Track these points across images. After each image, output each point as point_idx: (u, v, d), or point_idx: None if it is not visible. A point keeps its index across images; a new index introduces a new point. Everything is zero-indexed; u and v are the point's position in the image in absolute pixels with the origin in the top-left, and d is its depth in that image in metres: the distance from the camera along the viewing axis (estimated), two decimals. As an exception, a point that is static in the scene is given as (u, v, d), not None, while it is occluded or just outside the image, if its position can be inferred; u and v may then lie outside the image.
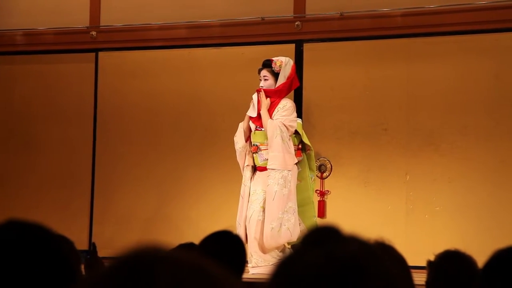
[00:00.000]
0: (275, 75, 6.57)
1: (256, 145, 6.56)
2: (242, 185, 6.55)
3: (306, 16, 7.92)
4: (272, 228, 6.24)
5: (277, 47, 7.52)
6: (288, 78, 6.58)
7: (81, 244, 7.38)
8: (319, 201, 6.32)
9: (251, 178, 6.50)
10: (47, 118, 8.59)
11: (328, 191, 6.44)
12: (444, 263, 2.79)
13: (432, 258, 2.92)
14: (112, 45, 8.47)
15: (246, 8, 8.06)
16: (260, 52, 7.65)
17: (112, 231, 8.17)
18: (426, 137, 7.47)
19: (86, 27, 8.52)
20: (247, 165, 6.54)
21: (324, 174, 6.49)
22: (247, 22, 8.02)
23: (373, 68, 7.67)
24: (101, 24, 8.53)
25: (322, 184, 6.44)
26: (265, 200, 6.35)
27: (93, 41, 8.49)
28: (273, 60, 6.61)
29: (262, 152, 6.51)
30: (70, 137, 8.52)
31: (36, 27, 8.65)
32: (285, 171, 6.31)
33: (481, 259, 1.83)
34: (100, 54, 8.51)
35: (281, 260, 1.04)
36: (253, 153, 6.57)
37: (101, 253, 3.28)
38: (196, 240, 2.88)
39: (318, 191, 7.01)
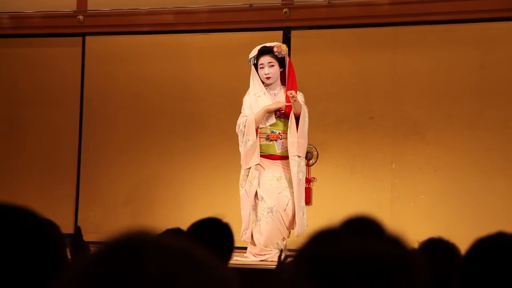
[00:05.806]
0: (279, 60, 6.27)
1: (278, 133, 6.27)
2: (248, 183, 6.18)
3: (294, 3, 7.91)
4: (302, 215, 6.18)
5: (264, 34, 7.51)
6: (289, 63, 6.34)
7: (66, 228, 7.36)
8: (305, 188, 6.33)
9: (258, 173, 6.19)
10: (33, 102, 8.56)
11: (314, 178, 6.44)
12: (427, 251, 2.82)
13: (416, 245, 2.94)
14: (99, 29, 8.43)
15: (234, -6, 8.04)
16: (248, 38, 7.64)
17: (98, 216, 8.16)
18: (412, 125, 7.50)
19: (73, 11, 8.48)
20: (257, 164, 6.17)
21: (311, 161, 6.49)
22: (235, 8, 8.00)
23: (360, 56, 7.69)
24: (88, 8, 8.49)
25: (308, 171, 6.44)
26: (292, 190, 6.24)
27: (80, 25, 8.45)
28: (272, 46, 6.29)
29: (282, 140, 6.25)
30: (56, 121, 8.49)
31: (22, 10, 8.59)
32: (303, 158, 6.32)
33: (464, 247, 1.86)
34: (87, 38, 8.47)
35: (315, 238, 1.06)
36: (273, 140, 6.26)
37: (87, 237, 3.29)
38: (183, 226, 2.89)
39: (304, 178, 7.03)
